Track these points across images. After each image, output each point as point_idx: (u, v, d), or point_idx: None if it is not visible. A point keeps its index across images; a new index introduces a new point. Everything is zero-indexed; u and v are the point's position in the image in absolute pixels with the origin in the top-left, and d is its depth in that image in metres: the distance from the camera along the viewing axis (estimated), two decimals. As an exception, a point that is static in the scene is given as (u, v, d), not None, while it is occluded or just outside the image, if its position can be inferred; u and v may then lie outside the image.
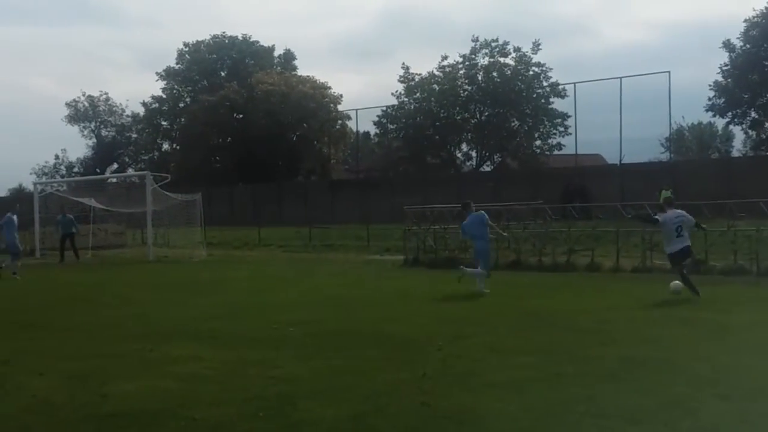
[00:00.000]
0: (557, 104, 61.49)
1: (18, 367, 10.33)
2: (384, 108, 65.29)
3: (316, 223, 42.82)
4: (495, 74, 62.05)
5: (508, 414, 7.83)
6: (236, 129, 73.44)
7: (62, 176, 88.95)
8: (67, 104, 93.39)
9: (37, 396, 8.75)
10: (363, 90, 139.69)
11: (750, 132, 63.22)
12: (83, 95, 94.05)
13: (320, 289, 20.37)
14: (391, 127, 66.25)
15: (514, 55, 62.19)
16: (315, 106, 70.25)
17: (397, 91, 65.09)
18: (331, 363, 10.37)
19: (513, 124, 63.27)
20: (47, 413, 8.01)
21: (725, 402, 8.09)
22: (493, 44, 62.49)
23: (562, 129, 61.48)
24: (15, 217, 27.13)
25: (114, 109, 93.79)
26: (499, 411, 7.93)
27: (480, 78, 62.80)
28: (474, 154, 66.59)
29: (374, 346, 11.54)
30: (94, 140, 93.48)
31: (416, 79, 64.22)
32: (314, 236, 39.47)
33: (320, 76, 79.22)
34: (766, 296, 16.97)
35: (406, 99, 64.74)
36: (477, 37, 62.97)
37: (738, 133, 69.43)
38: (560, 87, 60.87)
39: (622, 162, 50.90)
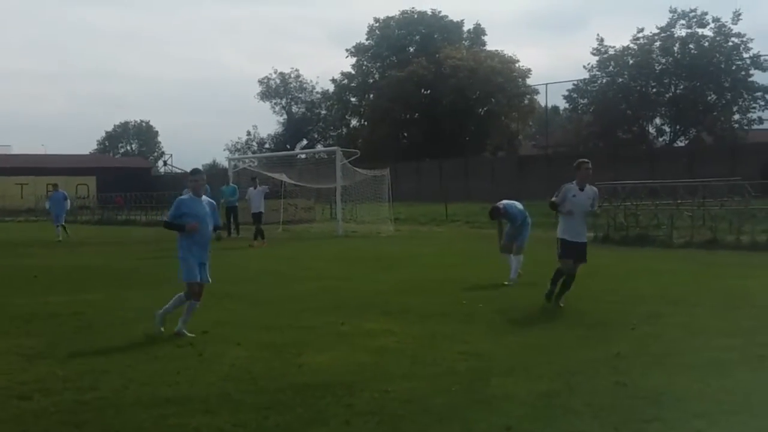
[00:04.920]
0: (757, 77, 58.35)
1: (217, 337, 10.68)
2: (575, 82, 64.03)
3: (504, 199, 42.34)
4: (692, 46, 59.44)
5: (708, 395, 7.53)
6: (424, 104, 73.80)
7: (253, 152, 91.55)
8: (260, 81, 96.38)
9: (236, 365, 9.00)
10: (552, 64, 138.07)
11: None
12: (275, 72, 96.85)
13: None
14: (582, 101, 64.87)
15: (712, 25, 59.13)
16: (503, 80, 69.66)
17: (589, 64, 63.58)
18: (521, 340, 10.27)
19: (710, 98, 60.68)
20: (246, 381, 8.24)
21: None
22: (691, 14, 59.94)
23: (763, 103, 58.47)
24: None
25: (304, 85, 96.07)
26: (698, 392, 7.64)
27: (676, 50, 60.39)
28: (667, 129, 64.36)
29: (565, 325, 11.38)
30: (285, 117, 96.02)
31: (610, 52, 62.51)
32: (502, 212, 39.21)
33: (509, 51, 78.68)
34: None
35: (598, 72, 63.17)
36: (675, 8, 60.57)
37: None
38: (762, 59, 57.80)
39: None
